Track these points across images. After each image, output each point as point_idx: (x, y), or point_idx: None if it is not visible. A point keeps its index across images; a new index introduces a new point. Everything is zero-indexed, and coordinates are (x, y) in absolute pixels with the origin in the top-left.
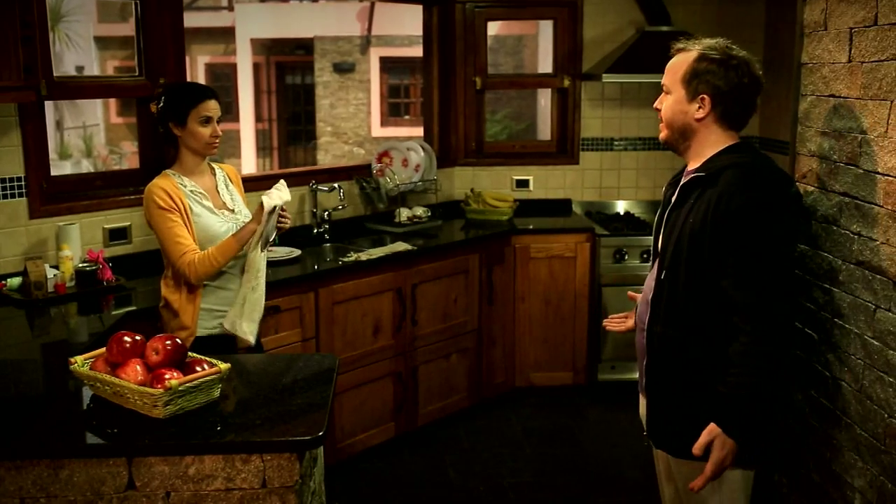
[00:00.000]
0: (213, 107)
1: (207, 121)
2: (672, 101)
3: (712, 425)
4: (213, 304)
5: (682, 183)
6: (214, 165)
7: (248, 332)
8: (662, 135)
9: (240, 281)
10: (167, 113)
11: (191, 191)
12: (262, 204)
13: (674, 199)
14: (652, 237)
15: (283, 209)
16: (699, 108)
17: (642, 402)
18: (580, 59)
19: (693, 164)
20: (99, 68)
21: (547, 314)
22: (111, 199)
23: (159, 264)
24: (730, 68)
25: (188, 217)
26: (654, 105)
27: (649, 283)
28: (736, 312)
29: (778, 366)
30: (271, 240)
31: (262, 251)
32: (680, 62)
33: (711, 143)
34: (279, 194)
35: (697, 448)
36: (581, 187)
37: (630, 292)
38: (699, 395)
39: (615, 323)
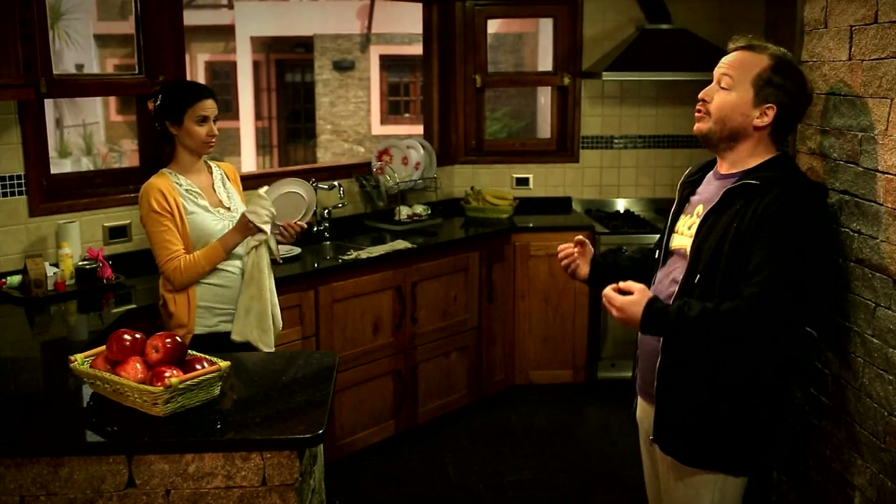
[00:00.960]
0: (209, 106)
1: (204, 120)
2: (734, 99)
3: (646, 294)
4: (211, 302)
5: (729, 186)
6: (212, 164)
7: (259, 341)
8: (705, 126)
9: (239, 279)
10: (164, 112)
11: (186, 189)
12: (244, 216)
13: (716, 201)
14: (664, 235)
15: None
16: (761, 115)
17: (642, 404)
18: (580, 57)
19: (729, 168)
20: (99, 66)
21: (547, 312)
22: (111, 197)
23: None
24: (800, 85)
25: (182, 218)
26: (701, 94)
27: (665, 284)
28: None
29: (732, 345)
30: (274, 250)
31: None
32: (752, 61)
33: (758, 153)
34: (262, 211)
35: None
36: (581, 185)
37: (580, 236)
38: (717, 403)
39: (570, 253)
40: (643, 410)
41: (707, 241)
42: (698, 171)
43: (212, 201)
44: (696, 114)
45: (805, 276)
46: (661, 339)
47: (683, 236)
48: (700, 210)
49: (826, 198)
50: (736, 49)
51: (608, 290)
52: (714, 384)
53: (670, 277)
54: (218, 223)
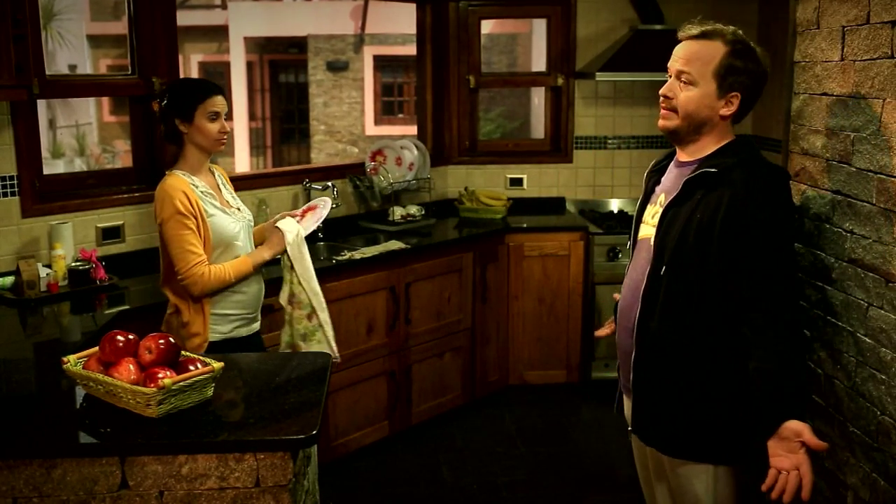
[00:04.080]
0: (220, 102)
1: (216, 116)
2: (698, 95)
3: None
4: (226, 309)
5: (687, 177)
6: (210, 166)
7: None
8: (671, 123)
9: (256, 285)
10: (173, 109)
11: (202, 191)
12: (281, 234)
13: (676, 193)
14: (633, 225)
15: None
16: (726, 104)
17: (628, 402)
18: (573, 58)
19: (688, 157)
20: (91, 67)
21: (540, 312)
22: (104, 198)
23: (152, 264)
24: (758, 62)
25: (203, 222)
26: (663, 91)
27: (635, 276)
28: (750, 308)
29: (797, 348)
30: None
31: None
32: (709, 52)
33: (717, 139)
34: (292, 226)
35: (765, 486)
36: (574, 185)
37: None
38: (693, 393)
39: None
40: (629, 409)
41: (670, 232)
42: (664, 158)
43: (222, 202)
44: (662, 111)
45: (795, 265)
46: (636, 334)
47: (648, 226)
48: (662, 199)
49: (788, 181)
50: (687, 38)
51: (772, 481)
52: (689, 374)
53: (639, 268)
54: (235, 224)
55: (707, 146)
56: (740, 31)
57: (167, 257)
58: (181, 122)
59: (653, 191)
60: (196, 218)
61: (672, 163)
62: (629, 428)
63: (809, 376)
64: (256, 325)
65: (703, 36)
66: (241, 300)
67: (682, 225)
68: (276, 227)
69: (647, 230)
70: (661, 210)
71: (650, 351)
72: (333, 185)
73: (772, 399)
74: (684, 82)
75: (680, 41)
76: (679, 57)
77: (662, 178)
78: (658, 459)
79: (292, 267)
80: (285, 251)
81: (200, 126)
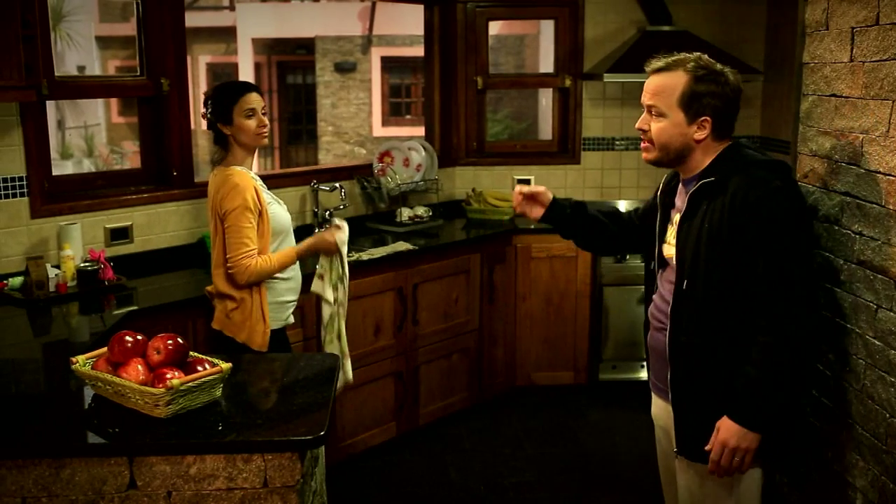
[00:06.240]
0: (255, 99)
1: (252, 113)
2: (669, 125)
3: (724, 422)
4: (282, 296)
5: (691, 191)
6: None
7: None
8: (651, 156)
9: (299, 269)
10: (214, 115)
11: (260, 185)
12: (330, 238)
13: (684, 208)
14: (656, 245)
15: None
16: (698, 129)
17: (656, 401)
18: (581, 59)
19: (689, 173)
20: (100, 68)
21: (548, 314)
22: (112, 199)
23: (160, 264)
24: (724, 85)
25: (265, 214)
26: (638, 126)
27: (663, 293)
28: (762, 305)
29: (800, 362)
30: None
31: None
32: (671, 84)
33: (708, 154)
34: (342, 234)
35: (709, 446)
36: (582, 187)
37: (524, 188)
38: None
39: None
40: (657, 407)
41: (686, 247)
42: (673, 177)
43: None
44: (642, 144)
45: (809, 267)
46: (670, 348)
47: (671, 245)
48: (677, 218)
49: (789, 172)
50: (653, 72)
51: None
52: (723, 385)
53: (666, 285)
54: (286, 213)
55: (702, 162)
56: (705, 57)
57: (222, 248)
58: (223, 125)
59: (669, 210)
60: (259, 214)
61: (682, 181)
62: (675, 450)
63: (796, 392)
64: None
65: (666, 68)
66: (293, 287)
67: (694, 238)
68: (335, 224)
69: (669, 250)
70: (676, 228)
71: (685, 366)
72: (341, 186)
73: (744, 404)
74: (655, 115)
75: (647, 75)
76: (647, 91)
77: (675, 198)
78: (685, 465)
79: (342, 265)
80: (337, 249)
81: (240, 125)
